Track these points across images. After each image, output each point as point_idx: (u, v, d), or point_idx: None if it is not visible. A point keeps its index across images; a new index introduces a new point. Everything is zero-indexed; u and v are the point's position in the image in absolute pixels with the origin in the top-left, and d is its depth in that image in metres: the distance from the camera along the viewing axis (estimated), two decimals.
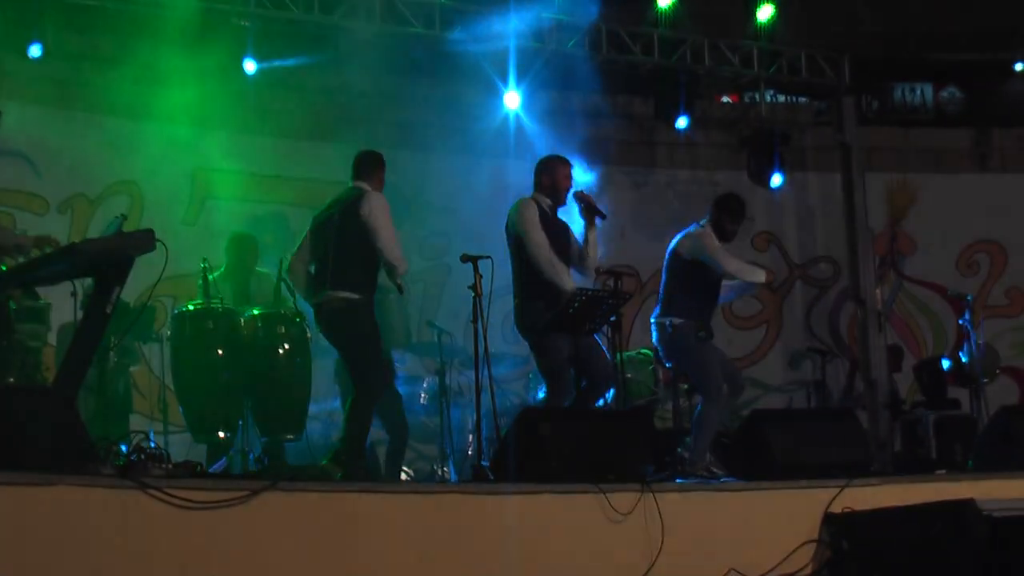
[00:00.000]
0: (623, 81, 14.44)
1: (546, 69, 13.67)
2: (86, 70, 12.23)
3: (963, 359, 13.47)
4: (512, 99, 13.27)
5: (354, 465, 8.88)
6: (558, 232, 9.65)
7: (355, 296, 9.18)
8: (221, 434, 10.10)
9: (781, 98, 15.65)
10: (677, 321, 10.10)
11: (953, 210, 15.51)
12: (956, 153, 15.93)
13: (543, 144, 14.31)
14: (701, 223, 10.34)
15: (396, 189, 13.59)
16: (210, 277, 10.35)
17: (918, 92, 16.04)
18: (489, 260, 9.38)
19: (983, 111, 16.01)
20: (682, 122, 14.04)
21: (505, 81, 13.20)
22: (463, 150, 13.85)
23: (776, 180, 14.39)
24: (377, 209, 9.20)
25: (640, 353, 11.58)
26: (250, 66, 11.91)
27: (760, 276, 10.29)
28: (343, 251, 9.22)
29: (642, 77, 14.08)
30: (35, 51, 11.49)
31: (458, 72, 13.06)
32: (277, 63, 12.39)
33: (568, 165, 9.86)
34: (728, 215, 10.34)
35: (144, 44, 11.61)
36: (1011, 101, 16.06)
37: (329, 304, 9.27)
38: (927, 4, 14.86)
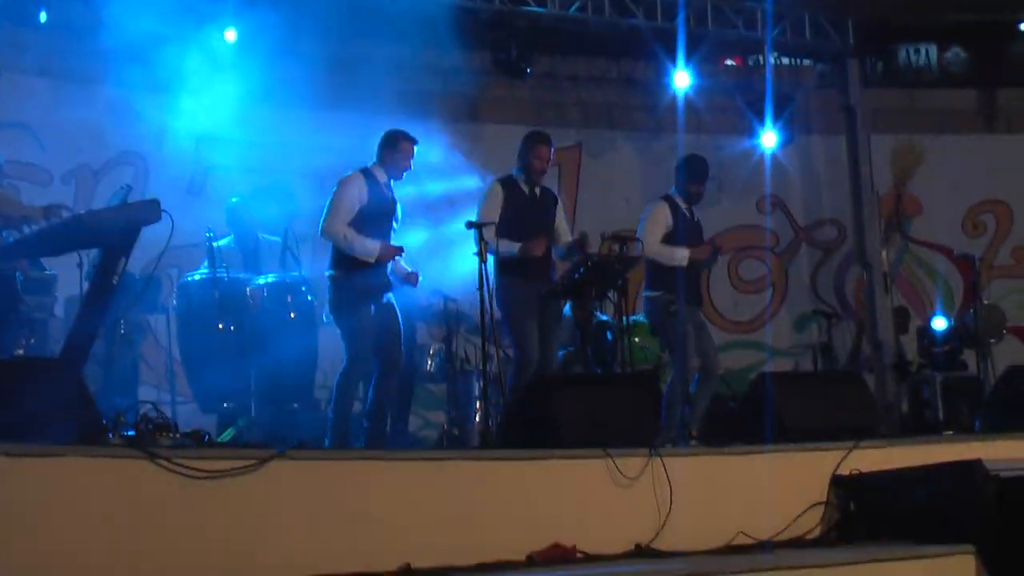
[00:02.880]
0: (626, 45, 14.39)
1: (548, 33, 13.65)
2: (89, 41, 12.21)
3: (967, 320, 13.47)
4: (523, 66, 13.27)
5: (337, 436, 8.93)
6: (529, 207, 9.73)
7: (332, 272, 9.22)
8: (227, 404, 10.14)
9: (785, 60, 15.61)
10: (652, 294, 10.26)
11: (959, 171, 15.49)
12: (961, 114, 15.88)
13: (543, 110, 14.37)
14: (669, 192, 10.39)
15: None
16: (218, 244, 10.39)
17: (923, 53, 15.99)
18: (494, 226, 9.39)
19: (988, 72, 15.96)
20: (683, 78, 13.91)
21: (509, 49, 13.14)
22: (466, 118, 13.82)
23: (770, 140, 14.37)
24: (338, 185, 9.27)
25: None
26: (230, 36, 11.89)
27: (676, 261, 10.19)
28: None
29: (645, 40, 14.01)
30: (42, 17, 11.47)
31: (462, 40, 13.02)
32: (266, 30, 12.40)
33: (545, 145, 9.85)
34: (688, 177, 10.38)
35: (146, 13, 11.58)
36: (1016, 61, 16.01)
37: (325, 281, 9.36)
38: None
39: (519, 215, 9.67)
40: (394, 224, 9.43)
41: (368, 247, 9.07)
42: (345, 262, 9.14)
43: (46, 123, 12.15)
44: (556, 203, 10.03)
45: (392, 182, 9.41)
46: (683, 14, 13.58)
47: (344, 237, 9.07)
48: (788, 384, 9.57)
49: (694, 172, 10.46)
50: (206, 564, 6.52)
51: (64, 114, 12.20)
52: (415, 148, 9.43)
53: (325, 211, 9.17)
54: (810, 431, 8.85)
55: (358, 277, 9.10)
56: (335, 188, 9.24)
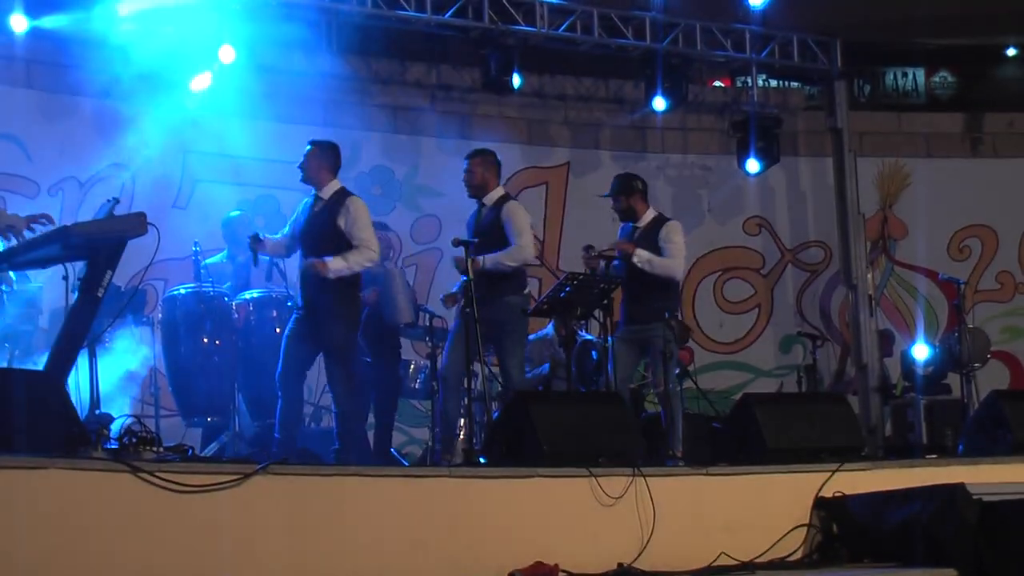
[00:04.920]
0: (615, 65, 14.42)
1: (537, 53, 13.65)
2: (76, 52, 12.19)
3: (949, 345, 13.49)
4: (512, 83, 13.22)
5: (346, 448, 8.88)
6: None
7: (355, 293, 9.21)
8: (212, 418, 10.12)
9: (773, 82, 15.66)
10: None
11: (944, 194, 15.53)
12: (948, 137, 15.93)
13: (532, 128, 14.39)
14: None
15: (388, 172, 13.65)
16: (209, 261, 10.38)
17: (910, 77, 16.07)
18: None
19: (974, 95, 16.04)
20: (660, 103, 13.91)
21: (502, 66, 13.08)
22: (456, 134, 13.83)
23: (753, 166, 14.40)
24: (364, 210, 9.27)
25: None
26: (228, 55, 11.82)
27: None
28: None
29: (634, 61, 14.03)
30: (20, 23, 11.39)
31: (451, 56, 13.03)
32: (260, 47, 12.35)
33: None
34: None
35: (134, 26, 11.57)
36: (1002, 86, 16.09)
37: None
38: None
39: None
40: None
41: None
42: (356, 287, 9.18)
43: (33, 135, 12.13)
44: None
45: None
46: (667, 39, 13.59)
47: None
48: (772, 405, 9.58)
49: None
50: None
51: (51, 126, 12.19)
52: None
53: (365, 234, 9.12)
54: (794, 452, 8.87)
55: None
56: (362, 213, 9.19)
